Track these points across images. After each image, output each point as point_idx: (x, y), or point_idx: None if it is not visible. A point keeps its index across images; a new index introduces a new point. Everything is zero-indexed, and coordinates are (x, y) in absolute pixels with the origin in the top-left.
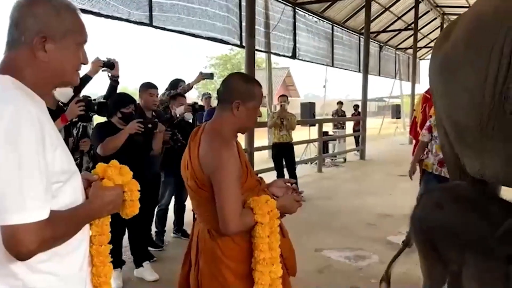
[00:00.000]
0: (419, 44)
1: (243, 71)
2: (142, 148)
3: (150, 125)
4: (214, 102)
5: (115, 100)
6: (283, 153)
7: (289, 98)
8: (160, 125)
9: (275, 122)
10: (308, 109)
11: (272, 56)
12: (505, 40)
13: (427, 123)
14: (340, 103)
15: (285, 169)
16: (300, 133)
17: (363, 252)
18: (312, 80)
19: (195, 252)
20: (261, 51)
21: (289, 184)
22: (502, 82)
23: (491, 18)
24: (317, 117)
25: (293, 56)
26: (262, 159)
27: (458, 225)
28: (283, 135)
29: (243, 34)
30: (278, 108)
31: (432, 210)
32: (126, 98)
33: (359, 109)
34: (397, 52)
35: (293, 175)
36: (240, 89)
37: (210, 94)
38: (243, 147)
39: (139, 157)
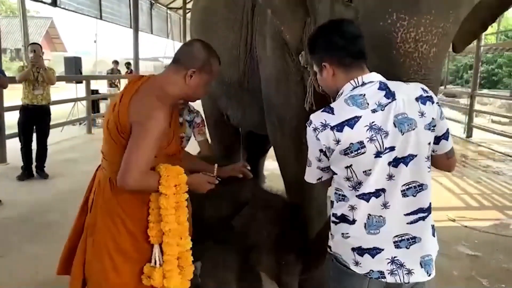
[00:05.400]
0: (189, 6)
1: None
2: None
3: None
4: None
5: None
6: (35, 120)
7: (54, 53)
8: None
9: (27, 77)
10: (74, 64)
11: (30, 3)
12: (252, 4)
13: None
14: (115, 62)
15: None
16: (65, 92)
17: None
18: (83, 35)
19: (92, 199)
20: None
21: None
22: (251, 41)
23: None
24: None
25: (54, 3)
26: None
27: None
28: (38, 96)
29: None
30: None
31: None
32: None
33: (131, 67)
34: (168, 12)
35: (43, 147)
36: (200, 59)
37: None
38: None
39: None
